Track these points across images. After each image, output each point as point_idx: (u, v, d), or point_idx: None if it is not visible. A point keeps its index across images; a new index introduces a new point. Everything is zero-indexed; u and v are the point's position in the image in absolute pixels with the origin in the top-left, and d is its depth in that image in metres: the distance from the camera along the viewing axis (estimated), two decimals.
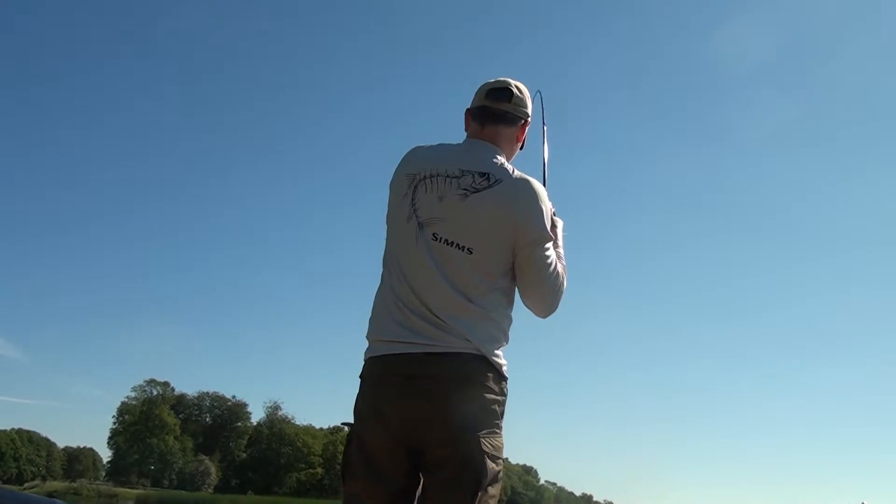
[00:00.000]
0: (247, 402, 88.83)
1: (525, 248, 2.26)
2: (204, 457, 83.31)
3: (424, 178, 2.29)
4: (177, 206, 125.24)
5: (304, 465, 79.86)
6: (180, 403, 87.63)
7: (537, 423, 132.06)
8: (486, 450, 2.18)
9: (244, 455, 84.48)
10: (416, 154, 2.38)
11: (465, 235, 2.23)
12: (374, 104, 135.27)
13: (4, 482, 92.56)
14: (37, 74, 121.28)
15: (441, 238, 2.24)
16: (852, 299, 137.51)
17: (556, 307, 2.40)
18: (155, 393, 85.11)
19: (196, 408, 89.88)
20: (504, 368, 2.28)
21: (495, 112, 2.41)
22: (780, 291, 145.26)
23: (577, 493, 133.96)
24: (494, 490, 2.20)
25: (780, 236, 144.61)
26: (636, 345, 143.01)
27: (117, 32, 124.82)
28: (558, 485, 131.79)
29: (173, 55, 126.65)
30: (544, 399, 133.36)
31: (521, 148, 2.52)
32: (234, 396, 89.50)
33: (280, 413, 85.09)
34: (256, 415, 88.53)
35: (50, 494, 67.86)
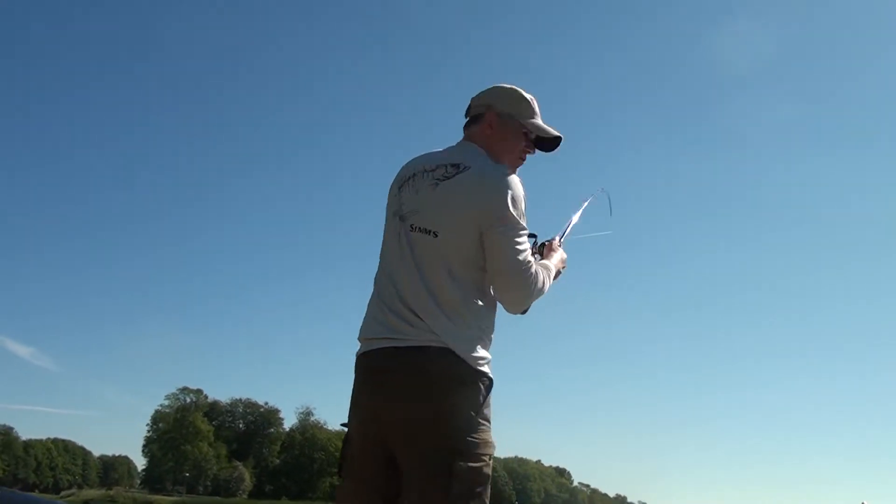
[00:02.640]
0: (279, 409, 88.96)
1: (488, 229, 2.25)
2: (238, 463, 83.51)
3: (409, 178, 2.41)
4: (207, 211, 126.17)
5: (337, 470, 79.11)
6: (213, 410, 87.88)
7: (571, 426, 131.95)
8: (455, 446, 2.16)
9: (277, 461, 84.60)
10: (407, 162, 2.50)
11: (433, 221, 2.29)
12: (383, 109, 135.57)
13: (41, 491, 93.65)
14: (52, 83, 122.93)
15: (416, 227, 2.31)
16: (853, 300, 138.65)
17: (525, 304, 2.37)
18: (188, 400, 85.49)
19: (229, 414, 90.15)
20: (477, 361, 2.25)
21: (468, 117, 2.54)
22: (780, 293, 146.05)
23: (611, 495, 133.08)
24: (467, 487, 2.16)
25: (787, 238, 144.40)
26: (665, 348, 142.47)
27: (132, 37, 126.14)
28: (592, 486, 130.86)
29: (186, 62, 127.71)
30: (578, 401, 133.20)
31: (507, 138, 2.47)
32: (266, 403, 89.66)
33: (312, 418, 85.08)
34: (289, 420, 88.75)
35: (86, 502, 68.52)
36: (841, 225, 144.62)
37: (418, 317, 2.23)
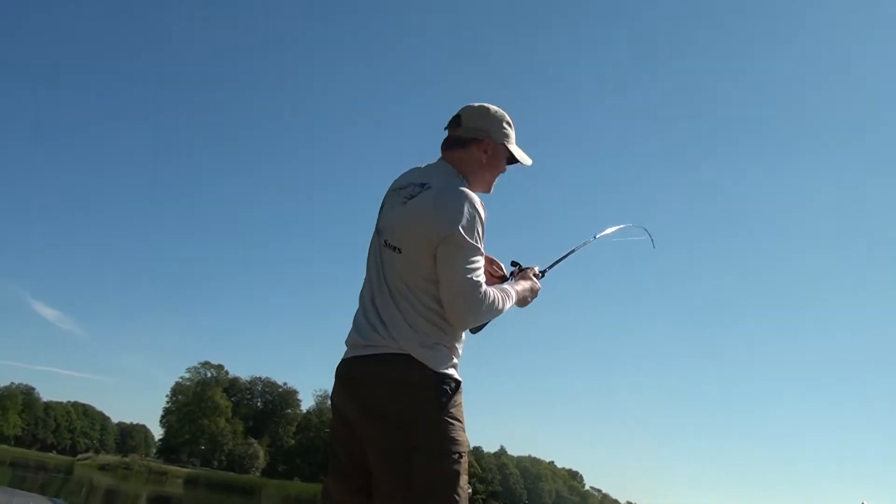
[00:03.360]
0: (297, 390, 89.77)
1: (438, 247, 2.33)
2: (253, 440, 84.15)
3: (390, 194, 2.55)
4: (237, 190, 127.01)
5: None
6: (233, 387, 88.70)
7: (587, 429, 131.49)
8: (413, 444, 2.26)
9: (292, 441, 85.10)
10: (398, 177, 2.61)
11: (398, 238, 2.42)
12: (392, 109, 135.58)
13: (59, 452, 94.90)
14: (82, 74, 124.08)
15: (387, 243, 2.46)
16: (853, 301, 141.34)
17: (469, 321, 2.39)
18: (209, 375, 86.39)
19: (248, 392, 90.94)
20: (439, 365, 2.34)
21: (447, 139, 2.60)
22: (784, 297, 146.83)
23: (622, 501, 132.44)
24: (430, 485, 2.24)
25: (786, 239, 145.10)
26: (684, 358, 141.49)
27: (132, 38, 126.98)
28: (603, 491, 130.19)
29: (199, 61, 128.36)
30: (595, 405, 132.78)
31: (499, 165, 2.60)
32: (285, 383, 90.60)
33: (329, 402, 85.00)
34: (306, 402, 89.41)
35: (101, 467, 69.22)
36: (839, 226, 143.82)
37: (384, 325, 2.37)
